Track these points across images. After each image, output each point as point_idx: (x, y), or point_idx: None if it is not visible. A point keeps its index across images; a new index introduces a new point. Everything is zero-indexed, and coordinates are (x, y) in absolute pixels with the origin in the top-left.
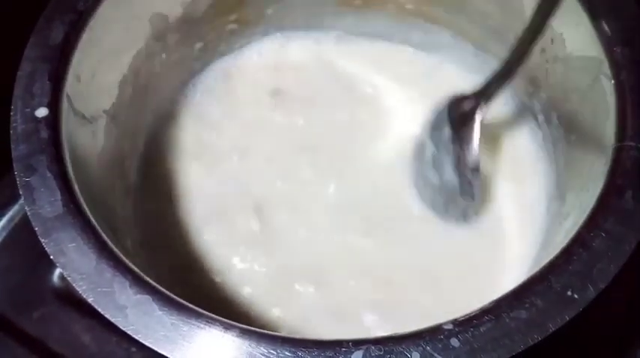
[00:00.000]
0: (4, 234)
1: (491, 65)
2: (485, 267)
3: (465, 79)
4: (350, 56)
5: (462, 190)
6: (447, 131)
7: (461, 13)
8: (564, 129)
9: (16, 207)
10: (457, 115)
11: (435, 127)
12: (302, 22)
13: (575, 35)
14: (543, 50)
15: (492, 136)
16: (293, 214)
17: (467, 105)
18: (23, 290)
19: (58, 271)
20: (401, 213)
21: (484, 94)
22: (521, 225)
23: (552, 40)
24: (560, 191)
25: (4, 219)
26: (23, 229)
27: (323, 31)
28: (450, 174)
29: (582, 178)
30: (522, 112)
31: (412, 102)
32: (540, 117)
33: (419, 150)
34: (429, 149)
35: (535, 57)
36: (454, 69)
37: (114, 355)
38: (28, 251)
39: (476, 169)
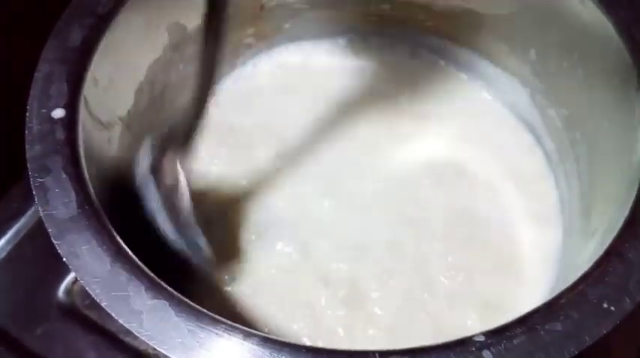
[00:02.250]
0: (9, 247)
1: (512, 83)
2: (500, 292)
3: (485, 99)
4: (368, 66)
5: (192, 253)
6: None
7: (481, 30)
8: (588, 146)
9: (22, 220)
10: (158, 168)
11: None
12: (319, 35)
13: (601, 48)
14: (564, 64)
15: (506, 157)
16: (317, 235)
17: (161, 156)
18: (27, 305)
19: (63, 286)
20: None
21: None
22: (537, 248)
23: (576, 54)
24: (584, 209)
25: (10, 233)
26: (29, 243)
27: (343, 40)
28: (173, 234)
29: (610, 193)
30: (541, 131)
31: (431, 114)
32: (562, 135)
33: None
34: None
35: (557, 72)
36: (477, 85)
37: None
38: (34, 265)
39: (191, 225)
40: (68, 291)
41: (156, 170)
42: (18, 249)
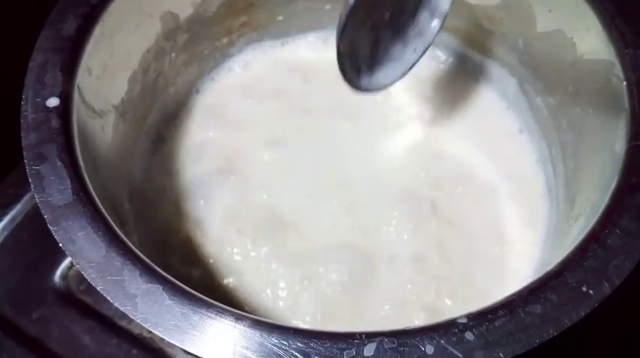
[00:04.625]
0: (5, 233)
1: (501, 71)
2: (488, 270)
3: (474, 86)
4: None
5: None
6: None
7: (469, 19)
8: (574, 133)
9: (18, 207)
10: None
11: None
12: (313, 25)
13: (585, 39)
14: (551, 53)
15: (494, 144)
16: (302, 217)
17: None
18: (23, 290)
19: (59, 271)
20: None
21: None
22: (524, 230)
23: (563, 45)
24: (569, 194)
25: (6, 219)
26: (25, 229)
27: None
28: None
29: (593, 180)
30: (529, 118)
31: (423, 101)
32: (548, 123)
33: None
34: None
35: (545, 61)
36: (465, 72)
37: (114, 357)
38: (30, 251)
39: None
40: (64, 276)
41: None
42: (14, 234)
